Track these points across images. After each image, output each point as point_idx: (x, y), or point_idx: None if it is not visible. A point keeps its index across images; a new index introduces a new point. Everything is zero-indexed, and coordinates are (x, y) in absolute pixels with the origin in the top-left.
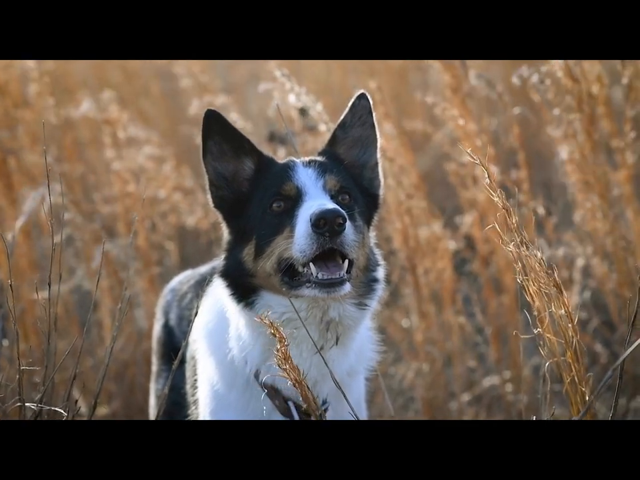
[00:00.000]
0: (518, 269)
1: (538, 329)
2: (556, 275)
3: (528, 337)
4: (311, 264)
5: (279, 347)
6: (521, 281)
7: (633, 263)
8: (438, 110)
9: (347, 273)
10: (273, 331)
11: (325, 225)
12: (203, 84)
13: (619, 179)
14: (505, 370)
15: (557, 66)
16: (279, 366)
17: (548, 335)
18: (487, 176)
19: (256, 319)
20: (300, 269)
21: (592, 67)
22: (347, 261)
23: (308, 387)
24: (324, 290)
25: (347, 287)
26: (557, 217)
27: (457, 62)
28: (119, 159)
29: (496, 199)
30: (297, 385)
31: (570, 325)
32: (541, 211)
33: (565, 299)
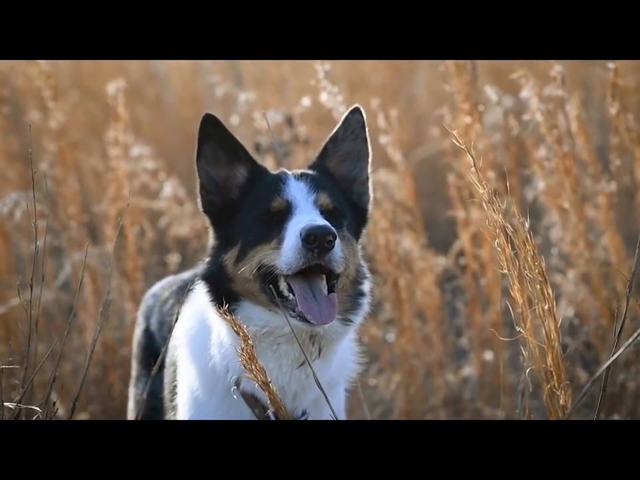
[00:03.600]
0: (504, 257)
1: (520, 329)
2: (542, 261)
3: (510, 354)
4: (298, 304)
5: (243, 346)
6: (508, 273)
7: (612, 287)
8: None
9: (332, 289)
10: (236, 328)
11: (314, 240)
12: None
13: (597, 203)
14: (486, 384)
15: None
16: (244, 366)
17: (530, 339)
18: (472, 164)
19: (232, 325)
20: (285, 293)
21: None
22: (336, 306)
23: (271, 414)
24: (308, 324)
25: (333, 322)
26: (540, 238)
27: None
28: (116, 160)
29: (481, 191)
30: (264, 387)
31: (552, 325)
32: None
33: (549, 291)
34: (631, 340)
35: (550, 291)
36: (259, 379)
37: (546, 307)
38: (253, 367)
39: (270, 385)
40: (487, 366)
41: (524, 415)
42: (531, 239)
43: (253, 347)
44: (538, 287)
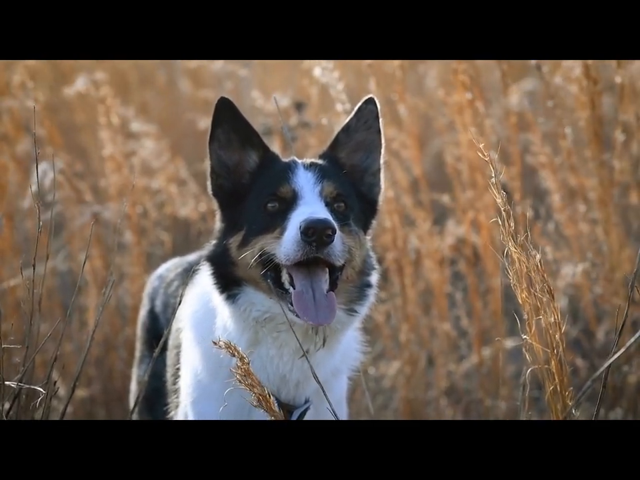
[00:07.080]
0: (513, 271)
1: (525, 337)
2: (549, 281)
3: (510, 342)
4: (294, 303)
5: (239, 364)
6: (513, 285)
7: (619, 274)
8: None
9: (334, 282)
10: (231, 351)
11: (313, 234)
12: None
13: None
14: (485, 374)
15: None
16: (239, 382)
17: (534, 342)
18: (493, 175)
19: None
20: (286, 285)
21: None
22: (334, 309)
23: (274, 401)
24: (304, 321)
25: (337, 313)
26: (541, 222)
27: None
28: (113, 143)
29: (499, 201)
30: (261, 399)
31: (557, 334)
32: (529, 213)
33: (556, 306)
34: (632, 339)
35: (557, 304)
36: (256, 392)
37: (552, 320)
38: (249, 381)
39: (267, 397)
40: (487, 356)
41: (524, 408)
42: (541, 265)
43: (249, 363)
44: (544, 299)
